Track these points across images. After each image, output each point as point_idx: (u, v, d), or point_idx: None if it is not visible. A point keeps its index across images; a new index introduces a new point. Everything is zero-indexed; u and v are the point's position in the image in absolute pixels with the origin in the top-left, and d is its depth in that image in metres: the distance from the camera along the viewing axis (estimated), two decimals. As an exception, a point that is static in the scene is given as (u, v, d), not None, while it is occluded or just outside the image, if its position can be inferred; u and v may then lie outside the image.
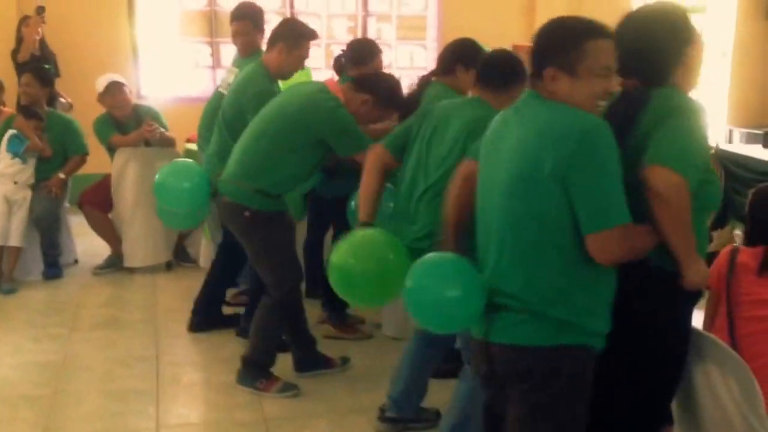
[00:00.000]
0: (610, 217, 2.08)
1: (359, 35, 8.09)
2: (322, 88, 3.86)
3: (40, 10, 6.63)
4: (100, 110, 5.91)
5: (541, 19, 8.02)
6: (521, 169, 2.15)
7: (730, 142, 8.14)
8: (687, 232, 2.23)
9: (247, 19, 4.86)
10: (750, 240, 3.04)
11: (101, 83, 5.80)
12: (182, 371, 4.29)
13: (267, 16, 7.77)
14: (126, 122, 5.89)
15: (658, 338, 2.35)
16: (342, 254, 2.95)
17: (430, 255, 2.51)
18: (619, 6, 8.35)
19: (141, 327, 4.88)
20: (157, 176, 4.19)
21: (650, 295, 2.32)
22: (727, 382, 2.37)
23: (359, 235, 3.05)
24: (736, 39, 8.79)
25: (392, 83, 4.02)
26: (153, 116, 5.94)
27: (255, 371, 3.98)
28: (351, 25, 8.16)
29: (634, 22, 2.41)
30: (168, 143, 5.88)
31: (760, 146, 7.03)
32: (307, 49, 4.28)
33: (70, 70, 7.07)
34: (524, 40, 7.44)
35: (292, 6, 8.06)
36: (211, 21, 7.82)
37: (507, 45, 6.99)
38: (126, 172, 5.80)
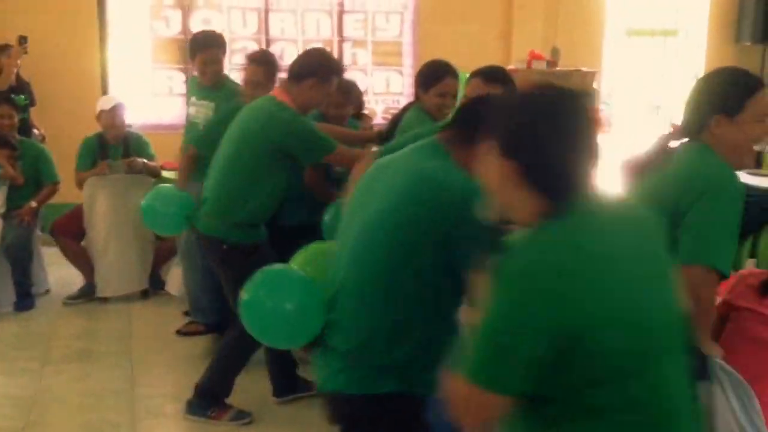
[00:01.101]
0: None
1: (336, 61, 8.04)
2: (272, 101, 3.75)
3: (23, 40, 6.50)
4: (71, 138, 5.82)
5: (518, 43, 8.11)
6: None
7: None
8: (709, 319, 2.29)
9: (263, 66, 4.56)
10: None
11: (107, 102, 5.79)
12: (158, 403, 4.17)
13: (243, 43, 7.87)
14: (115, 145, 5.79)
15: None
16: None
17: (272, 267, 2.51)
18: (592, 40, 8.44)
19: (115, 358, 4.74)
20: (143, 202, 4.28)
21: None
22: (728, 399, 2.34)
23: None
24: (707, 61, 8.84)
25: (317, 54, 4.00)
26: (141, 145, 5.90)
27: (207, 401, 3.94)
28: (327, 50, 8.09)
29: None
30: (153, 173, 5.79)
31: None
32: (334, 84, 3.91)
33: (40, 99, 6.93)
34: (502, 65, 7.45)
35: (267, 33, 7.98)
36: (183, 48, 7.71)
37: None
38: (97, 202, 5.67)
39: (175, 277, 5.70)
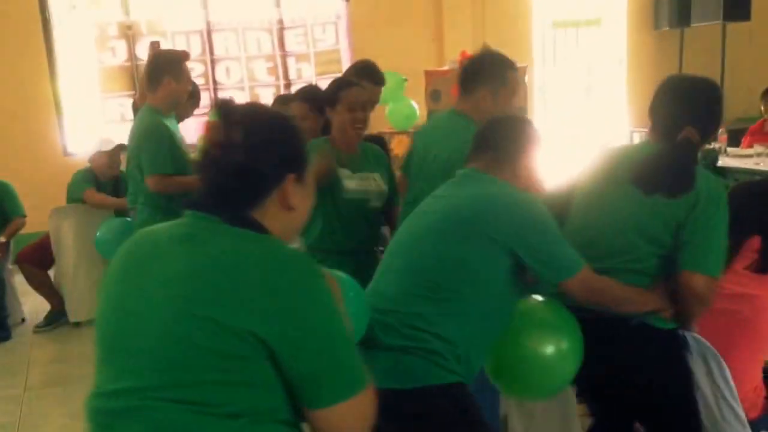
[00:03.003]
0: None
1: (280, 75, 8.14)
2: None
3: None
4: (30, 171, 5.85)
5: (450, 44, 8.25)
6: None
7: (633, 142, 8.41)
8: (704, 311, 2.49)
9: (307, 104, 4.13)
10: None
11: (106, 143, 5.78)
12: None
13: (189, 64, 7.90)
14: (105, 183, 5.82)
15: (664, 386, 2.50)
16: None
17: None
18: (520, 35, 8.64)
19: (92, 380, 4.78)
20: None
21: (642, 351, 2.46)
22: (703, 363, 2.56)
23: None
24: (629, 48, 9.12)
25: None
26: None
27: None
28: (270, 65, 8.18)
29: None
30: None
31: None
32: None
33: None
34: (435, 67, 7.63)
35: (212, 53, 8.06)
36: (132, 75, 7.77)
37: (419, 71, 7.16)
38: (63, 230, 5.72)
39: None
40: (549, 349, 2.35)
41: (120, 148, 5.73)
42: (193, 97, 4.73)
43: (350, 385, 1.53)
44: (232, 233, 1.57)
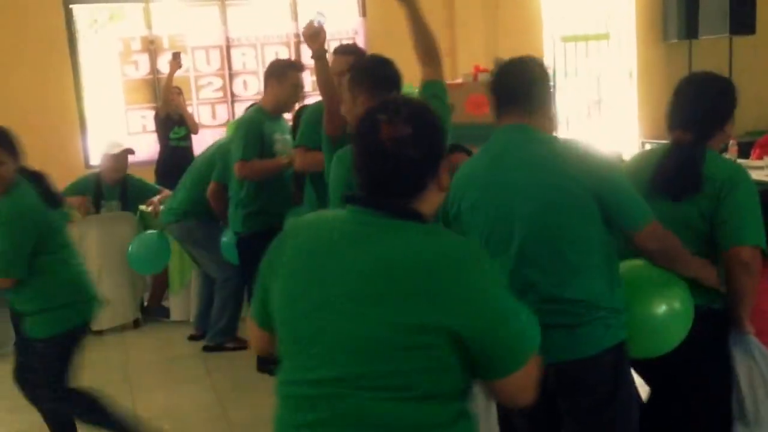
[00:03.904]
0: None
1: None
2: None
3: (176, 55, 6.98)
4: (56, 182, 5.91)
5: (463, 58, 8.28)
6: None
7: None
8: (753, 296, 2.55)
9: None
10: None
11: (114, 146, 5.89)
12: (159, 424, 4.26)
13: (208, 79, 8.01)
14: (112, 187, 5.90)
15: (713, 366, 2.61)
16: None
17: None
18: (532, 49, 8.65)
19: (116, 386, 4.83)
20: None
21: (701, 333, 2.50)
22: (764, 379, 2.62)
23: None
24: (639, 61, 9.12)
25: None
26: (141, 189, 6.04)
27: None
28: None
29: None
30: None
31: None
32: None
33: (24, 147, 7.01)
34: (448, 80, 7.63)
35: (230, 68, 8.13)
36: (154, 87, 7.84)
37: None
38: (88, 240, 5.77)
39: (178, 304, 5.88)
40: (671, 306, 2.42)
41: (127, 151, 5.80)
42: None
43: (526, 352, 1.65)
44: (401, 227, 1.65)
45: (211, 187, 5.10)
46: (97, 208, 5.90)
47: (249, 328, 1.93)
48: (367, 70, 3.18)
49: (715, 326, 2.58)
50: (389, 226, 1.65)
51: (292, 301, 1.70)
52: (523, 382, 1.66)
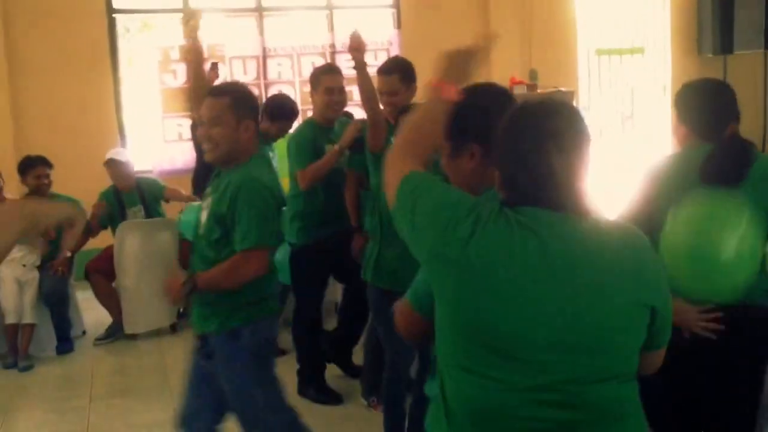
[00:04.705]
0: None
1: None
2: None
3: (215, 65, 6.79)
4: (94, 189, 6.03)
5: (498, 69, 8.29)
6: None
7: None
8: None
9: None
10: None
11: (119, 154, 6.11)
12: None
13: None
14: (129, 193, 5.99)
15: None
16: None
17: None
18: (566, 61, 8.62)
19: (156, 391, 4.85)
20: None
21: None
22: None
23: None
24: (673, 74, 9.07)
25: None
26: (155, 189, 6.16)
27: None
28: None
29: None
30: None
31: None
32: None
33: (62, 154, 7.09)
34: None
35: (266, 77, 8.17)
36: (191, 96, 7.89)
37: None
38: (126, 245, 5.80)
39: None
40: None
41: (113, 161, 5.94)
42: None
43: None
44: (587, 223, 1.67)
45: None
46: (123, 217, 5.98)
47: (401, 311, 1.98)
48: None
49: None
50: (582, 222, 1.67)
51: (509, 305, 1.61)
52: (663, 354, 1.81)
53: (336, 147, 4.36)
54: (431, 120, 1.90)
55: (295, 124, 5.05)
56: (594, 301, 1.60)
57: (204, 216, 3.05)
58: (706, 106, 2.73)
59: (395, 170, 1.81)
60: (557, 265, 1.60)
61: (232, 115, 2.95)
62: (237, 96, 3.00)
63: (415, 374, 4.02)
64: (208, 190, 3.12)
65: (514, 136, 1.68)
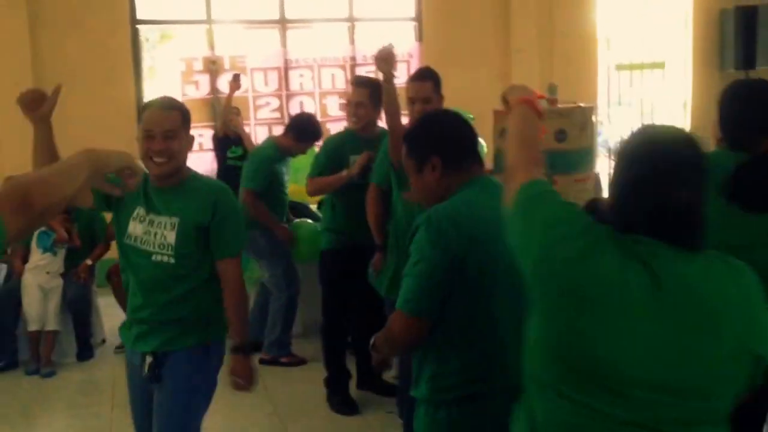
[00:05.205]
0: None
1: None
2: None
3: (236, 77, 7.12)
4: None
5: (518, 79, 8.29)
6: None
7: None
8: None
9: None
10: None
11: None
12: (222, 437, 4.30)
13: (266, 99, 8.10)
14: None
15: None
16: None
17: None
18: (586, 75, 8.61)
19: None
20: None
21: None
22: None
23: None
24: (694, 90, 9.03)
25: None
26: None
27: None
28: (343, 101, 8.30)
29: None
30: None
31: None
32: None
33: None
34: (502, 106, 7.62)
35: (287, 88, 8.21)
36: (213, 107, 7.95)
37: (487, 110, 7.18)
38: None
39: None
40: None
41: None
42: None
43: None
44: (702, 260, 1.61)
45: (241, 194, 5.10)
46: None
47: (397, 324, 2.10)
48: None
49: None
50: (696, 258, 1.61)
51: (618, 339, 1.55)
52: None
53: (344, 173, 4.46)
54: (531, 127, 2.05)
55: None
56: (703, 345, 1.55)
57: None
58: (744, 113, 2.58)
59: (516, 180, 1.82)
60: (668, 302, 1.54)
61: None
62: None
63: (397, 380, 4.04)
64: None
65: (639, 164, 1.63)
